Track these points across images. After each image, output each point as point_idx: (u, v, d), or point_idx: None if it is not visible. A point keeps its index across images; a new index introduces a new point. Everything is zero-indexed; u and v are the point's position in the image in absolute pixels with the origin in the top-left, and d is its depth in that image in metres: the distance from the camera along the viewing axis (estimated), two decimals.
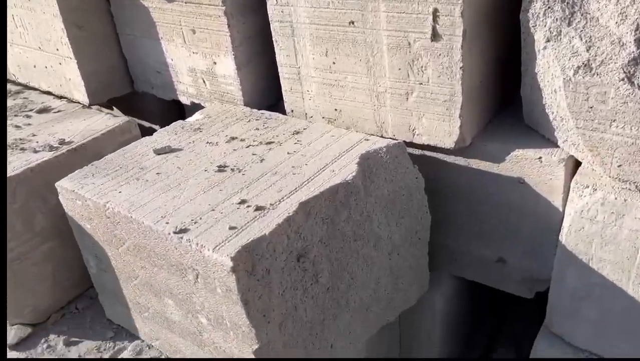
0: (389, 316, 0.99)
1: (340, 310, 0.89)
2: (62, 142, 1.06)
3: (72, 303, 1.12)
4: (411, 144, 1.00)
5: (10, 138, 1.08)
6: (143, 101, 1.38)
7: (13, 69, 1.42)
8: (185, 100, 1.24)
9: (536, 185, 0.94)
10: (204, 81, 1.17)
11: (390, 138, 0.98)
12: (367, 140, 0.95)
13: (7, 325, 1.06)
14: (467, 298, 1.22)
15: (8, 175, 0.96)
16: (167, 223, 0.78)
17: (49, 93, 1.35)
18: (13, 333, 1.03)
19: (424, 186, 0.96)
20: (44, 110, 1.21)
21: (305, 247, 0.80)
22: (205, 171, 0.90)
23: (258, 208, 0.79)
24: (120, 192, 0.86)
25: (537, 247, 0.98)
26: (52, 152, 1.03)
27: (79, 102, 1.28)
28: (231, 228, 0.75)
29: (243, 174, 0.88)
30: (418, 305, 1.09)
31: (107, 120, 1.14)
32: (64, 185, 0.90)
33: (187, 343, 0.91)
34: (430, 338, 1.14)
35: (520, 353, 1.29)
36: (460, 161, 0.99)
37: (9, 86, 1.37)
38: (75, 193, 0.89)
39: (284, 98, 1.09)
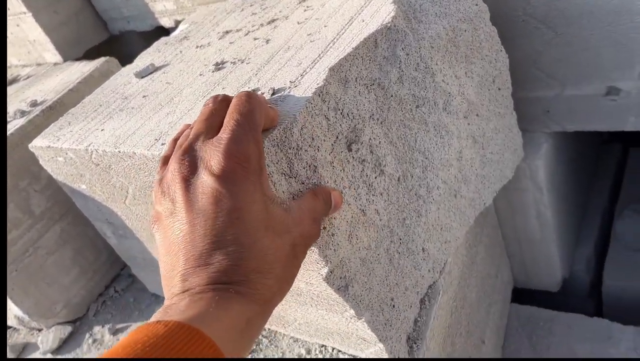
0: (484, 198, 0.76)
1: (422, 202, 0.67)
2: (35, 104, 0.86)
3: (110, 286, 0.96)
4: None
5: None
6: (126, 44, 1.17)
7: None
8: (167, 22, 1.02)
9: None
10: None
11: None
12: None
13: (44, 328, 0.90)
14: (574, 156, 0.98)
15: None
16: (164, 143, 0.58)
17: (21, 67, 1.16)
18: (52, 337, 0.88)
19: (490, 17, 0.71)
20: (12, 81, 1.02)
21: (353, 128, 0.58)
22: (201, 75, 0.68)
23: (276, 91, 0.57)
24: (102, 130, 0.67)
25: None
26: (25, 117, 0.84)
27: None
28: None
29: (247, 64, 0.66)
30: (515, 180, 0.86)
31: (83, 67, 0.94)
32: (37, 144, 0.71)
33: None
34: (541, 218, 0.90)
35: None
36: None
37: None
38: (52, 149, 0.69)
39: None
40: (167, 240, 0.42)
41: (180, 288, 0.39)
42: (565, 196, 0.97)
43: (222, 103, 0.48)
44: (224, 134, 0.44)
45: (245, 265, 0.40)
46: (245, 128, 0.44)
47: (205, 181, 0.41)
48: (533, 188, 0.88)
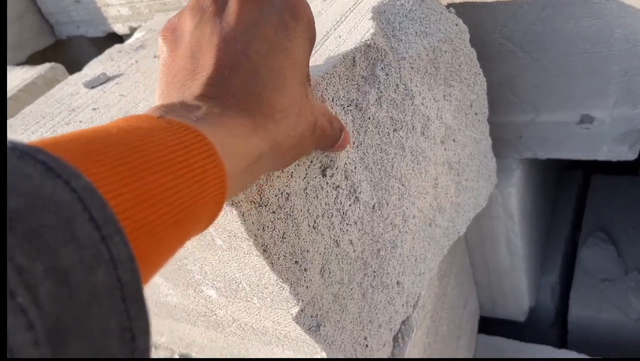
0: (458, 227, 0.73)
1: (398, 231, 0.62)
2: None
3: None
4: None
5: None
6: (75, 49, 1.08)
7: None
8: (121, 28, 0.95)
9: None
10: None
11: None
12: None
13: None
14: (540, 181, 0.96)
15: None
16: None
17: None
18: None
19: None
20: None
21: (328, 153, 0.53)
22: None
23: None
24: None
25: (637, 85, 0.71)
26: None
27: None
28: None
29: None
30: (487, 207, 0.83)
31: (24, 73, 0.85)
32: None
33: (201, 330, 0.66)
34: (511, 246, 0.88)
35: (614, 240, 1.04)
36: None
37: None
38: None
39: None
40: (197, 39, 0.37)
41: (202, 91, 0.34)
42: (533, 224, 0.96)
43: None
44: None
45: (279, 101, 0.36)
46: None
47: (276, 8, 0.38)
48: (504, 215, 0.86)
